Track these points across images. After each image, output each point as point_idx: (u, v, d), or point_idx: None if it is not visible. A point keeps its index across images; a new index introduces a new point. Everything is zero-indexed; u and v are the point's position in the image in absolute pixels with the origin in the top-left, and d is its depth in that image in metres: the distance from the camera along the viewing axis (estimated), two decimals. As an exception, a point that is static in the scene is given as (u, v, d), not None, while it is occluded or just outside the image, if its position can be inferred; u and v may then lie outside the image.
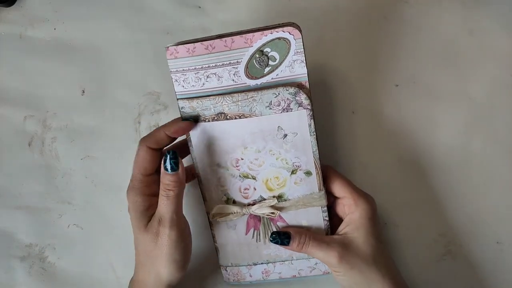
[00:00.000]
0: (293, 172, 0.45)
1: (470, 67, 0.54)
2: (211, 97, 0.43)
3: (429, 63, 0.54)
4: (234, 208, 0.46)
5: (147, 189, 0.45)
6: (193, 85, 0.43)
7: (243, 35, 0.41)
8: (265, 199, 0.46)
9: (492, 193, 0.52)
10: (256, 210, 0.46)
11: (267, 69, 0.42)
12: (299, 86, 0.42)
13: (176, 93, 0.43)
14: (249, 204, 0.47)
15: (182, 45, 0.42)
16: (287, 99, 0.42)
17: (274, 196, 0.46)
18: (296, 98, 0.42)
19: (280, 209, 0.46)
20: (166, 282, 0.45)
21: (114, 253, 0.53)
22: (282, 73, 0.42)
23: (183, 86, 0.43)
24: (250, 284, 0.51)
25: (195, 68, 0.42)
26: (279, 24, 0.42)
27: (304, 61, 0.42)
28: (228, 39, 0.41)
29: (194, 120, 0.44)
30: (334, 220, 0.48)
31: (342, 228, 0.46)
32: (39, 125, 0.56)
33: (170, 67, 0.43)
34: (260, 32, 0.41)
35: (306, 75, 0.42)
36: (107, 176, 0.54)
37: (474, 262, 0.51)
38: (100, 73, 0.56)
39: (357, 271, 0.44)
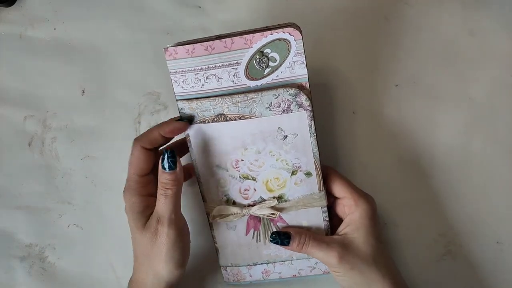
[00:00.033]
0: (293, 173, 0.45)
1: (470, 67, 0.54)
2: (211, 98, 0.43)
3: (429, 63, 0.54)
4: (234, 209, 0.46)
5: (144, 190, 0.45)
6: (192, 86, 0.43)
7: (243, 36, 0.41)
8: (265, 200, 0.46)
9: (492, 193, 0.52)
10: (256, 211, 0.46)
11: (267, 70, 0.42)
12: (300, 87, 0.42)
13: (176, 94, 0.43)
14: (249, 205, 0.46)
15: (181, 46, 0.41)
16: (287, 100, 0.42)
17: (274, 197, 0.46)
18: (297, 99, 0.42)
19: (280, 210, 0.46)
20: (165, 282, 0.44)
21: (114, 253, 0.53)
22: (282, 74, 0.42)
23: (183, 87, 0.43)
24: (250, 284, 0.50)
25: (194, 69, 0.42)
26: (279, 24, 0.42)
27: (305, 62, 0.42)
28: (228, 40, 0.41)
29: (189, 120, 0.44)
30: (334, 220, 0.48)
31: (342, 228, 0.46)
32: (39, 125, 0.55)
33: (169, 68, 0.42)
34: (260, 33, 0.41)
35: (307, 76, 0.42)
36: (107, 176, 0.54)
37: (474, 262, 0.51)
38: (100, 73, 0.56)
39: (357, 271, 0.44)
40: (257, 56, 0.41)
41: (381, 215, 0.52)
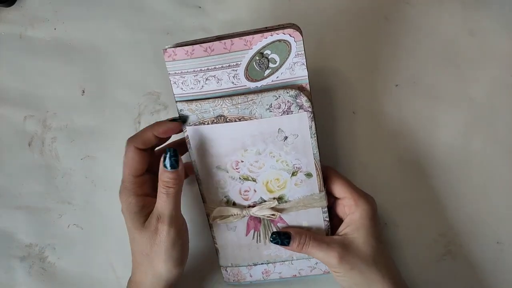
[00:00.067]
0: (293, 174, 0.45)
1: (470, 67, 0.53)
2: (210, 99, 0.42)
3: (429, 63, 0.54)
4: (234, 210, 0.46)
5: (140, 190, 0.45)
6: (192, 88, 0.42)
7: (243, 37, 0.41)
8: (265, 201, 0.46)
9: (492, 193, 0.52)
10: (256, 212, 0.46)
11: (267, 72, 0.42)
12: (300, 88, 0.42)
13: (175, 96, 0.43)
14: (249, 206, 0.46)
15: (181, 47, 0.41)
16: (288, 101, 0.42)
17: (274, 198, 0.46)
18: (297, 100, 0.42)
19: (280, 210, 0.46)
20: (164, 281, 0.44)
21: (114, 253, 0.53)
22: (283, 75, 0.42)
23: (182, 89, 0.42)
24: (250, 284, 0.50)
25: (194, 71, 0.42)
26: (279, 25, 0.41)
27: (305, 64, 0.41)
28: (228, 41, 0.41)
29: (182, 121, 0.44)
30: (335, 220, 0.48)
31: (342, 229, 0.46)
32: (39, 125, 0.55)
33: (168, 69, 0.42)
34: (260, 34, 0.40)
35: (307, 77, 0.42)
36: (107, 176, 0.54)
37: (474, 262, 0.51)
38: (100, 73, 0.56)
39: (357, 271, 0.44)
40: (257, 58, 0.41)
41: (381, 215, 0.51)
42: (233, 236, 0.48)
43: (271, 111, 0.42)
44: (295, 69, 0.42)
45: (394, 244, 0.51)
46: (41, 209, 0.54)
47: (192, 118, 0.43)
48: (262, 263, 0.49)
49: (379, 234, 0.45)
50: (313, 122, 0.43)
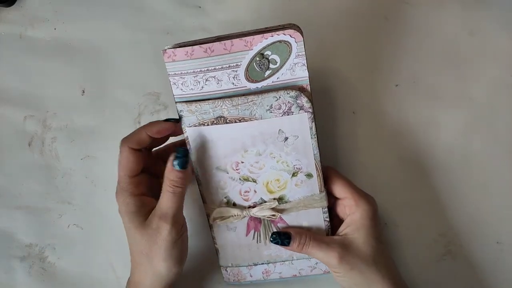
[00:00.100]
0: (294, 175, 0.45)
1: (470, 67, 0.53)
2: (210, 100, 0.42)
3: (429, 63, 0.53)
4: (234, 211, 0.46)
5: (136, 189, 0.44)
6: (191, 88, 0.42)
7: (243, 38, 0.40)
8: (265, 202, 0.46)
9: (492, 193, 0.51)
10: (256, 212, 0.45)
11: (267, 73, 0.41)
12: (300, 89, 0.41)
13: (174, 96, 0.42)
14: (249, 207, 0.46)
15: (180, 48, 0.41)
16: (288, 102, 0.41)
17: (274, 198, 0.45)
18: (297, 101, 0.41)
19: (280, 211, 0.46)
20: (164, 280, 0.44)
21: (114, 253, 0.53)
22: (283, 76, 0.41)
23: (182, 89, 0.42)
24: (250, 284, 0.50)
25: (193, 71, 0.41)
26: (279, 25, 0.41)
27: (305, 64, 0.41)
28: (228, 42, 0.40)
29: (176, 120, 0.43)
30: (335, 221, 0.47)
31: (342, 229, 0.46)
32: (39, 125, 0.55)
33: (168, 70, 0.41)
34: (260, 35, 0.40)
35: (308, 78, 0.41)
36: (107, 176, 0.54)
37: (474, 262, 0.51)
38: (100, 73, 0.56)
39: (357, 271, 0.43)
40: (258, 58, 0.41)
41: (381, 215, 0.51)
42: (233, 236, 0.47)
43: (271, 112, 0.42)
44: (296, 70, 0.41)
45: (394, 244, 0.51)
46: (41, 209, 0.54)
47: (192, 119, 0.43)
48: (262, 263, 0.49)
49: (380, 235, 0.45)
50: (313, 123, 0.42)
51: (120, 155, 0.44)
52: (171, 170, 0.42)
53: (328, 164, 0.50)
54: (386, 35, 0.54)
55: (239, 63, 0.41)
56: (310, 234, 0.45)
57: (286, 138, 0.43)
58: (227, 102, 0.42)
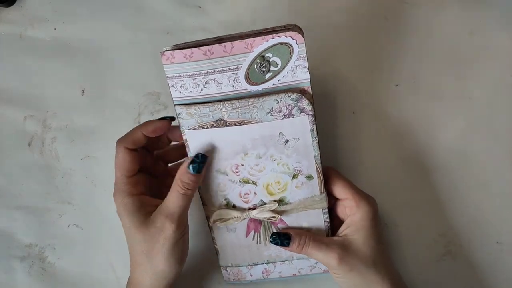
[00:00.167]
0: (294, 177, 0.44)
1: (470, 67, 0.53)
2: (210, 103, 0.41)
3: (429, 63, 0.53)
4: (234, 213, 0.45)
5: (134, 189, 0.44)
6: (190, 91, 0.41)
7: (243, 40, 0.39)
8: (265, 203, 0.45)
9: (492, 193, 0.51)
10: (256, 214, 0.45)
11: (268, 75, 0.40)
12: (301, 91, 0.41)
13: (173, 99, 0.42)
14: (249, 209, 0.45)
15: (179, 50, 0.40)
16: (289, 105, 0.41)
17: (275, 200, 0.45)
18: (298, 104, 0.40)
19: (281, 213, 0.45)
20: (165, 279, 0.44)
21: (114, 253, 0.52)
22: (284, 78, 0.40)
23: (180, 92, 0.41)
24: (250, 283, 0.50)
25: (192, 74, 0.40)
26: (280, 26, 0.40)
27: (307, 67, 0.40)
28: (228, 44, 0.39)
29: (171, 118, 0.43)
30: (335, 221, 0.47)
31: (342, 230, 0.45)
32: (39, 125, 0.55)
33: (166, 73, 0.40)
34: (261, 37, 0.39)
35: (309, 80, 0.40)
36: (107, 176, 0.53)
37: (474, 262, 0.50)
38: (100, 73, 0.55)
39: (356, 273, 0.43)
40: (258, 61, 0.40)
41: (381, 215, 0.51)
42: (233, 237, 0.47)
43: (272, 115, 0.41)
44: (297, 72, 0.40)
45: (394, 244, 0.51)
46: (41, 209, 0.53)
47: (191, 122, 0.42)
48: (262, 263, 0.48)
49: (380, 236, 0.45)
50: (314, 125, 0.41)
51: (116, 156, 0.44)
52: (185, 173, 0.42)
53: (328, 164, 0.50)
54: (386, 35, 0.54)
55: (240, 66, 0.40)
56: (309, 235, 0.45)
57: (287, 141, 0.42)
58: (227, 105, 0.41)
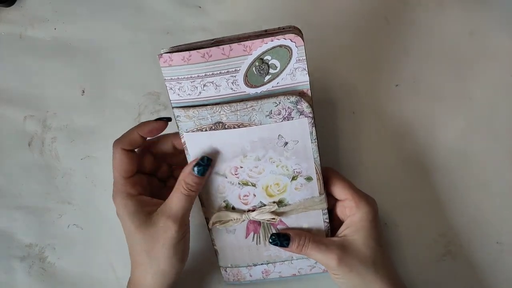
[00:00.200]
0: (293, 178, 0.43)
1: (470, 67, 0.53)
2: (208, 106, 0.40)
3: (429, 63, 0.53)
4: (234, 215, 0.45)
5: (133, 190, 0.44)
6: (189, 94, 0.40)
7: (242, 43, 0.38)
8: (265, 205, 0.45)
9: (492, 193, 0.51)
10: (256, 216, 0.44)
11: (267, 77, 0.40)
12: (301, 94, 0.40)
13: (171, 102, 0.41)
14: (248, 210, 0.45)
15: (177, 53, 0.39)
16: (288, 107, 0.40)
17: (274, 202, 0.45)
18: (298, 106, 0.40)
19: (280, 214, 0.45)
20: (166, 279, 0.43)
21: (114, 253, 0.52)
22: (283, 81, 0.40)
23: (179, 95, 0.41)
24: (250, 283, 0.50)
25: (191, 77, 0.40)
26: (279, 28, 0.39)
27: (306, 69, 0.39)
28: (226, 46, 0.39)
29: (168, 119, 0.43)
30: (335, 222, 0.46)
31: (342, 230, 0.45)
32: (39, 125, 0.55)
33: (164, 75, 0.40)
34: (260, 40, 0.38)
35: (308, 82, 0.40)
36: (107, 176, 0.52)
37: (474, 262, 0.50)
38: (100, 73, 0.55)
39: (355, 273, 0.43)
40: (257, 63, 0.39)
41: (381, 215, 0.50)
42: (233, 238, 0.47)
43: (271, 118, 0.40)
44: (296, 75, 0.40)
45: (394, 244, 0.51)
46: (41, 209, 0.53)
47: (189, 125, 0.41)
48: (262, 264, 0.48)
49: (379, 237, 0.44)
50: (314, 128, 0.41)
51: (113, 157, 0.44)
52: (190, 174, 0.42)
53: (328, 164, 0.49)
54: (386, 35, 0.54)
55: (238, 68, 0.39)
56: (309, 235, 0.44)
57: (286, 143, 0.42)
58: (225, 108, 0.40)
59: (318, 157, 0.42)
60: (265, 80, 0.40)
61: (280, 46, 0.39)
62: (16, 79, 0.55)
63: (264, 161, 0.43)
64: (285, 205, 0.45)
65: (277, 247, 0.46)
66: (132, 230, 0.43)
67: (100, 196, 0.53)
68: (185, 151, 0.43)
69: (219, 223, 0.45)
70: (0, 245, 0.53)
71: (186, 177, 0.42)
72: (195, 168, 0.42)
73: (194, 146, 0.42)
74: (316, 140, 0.42)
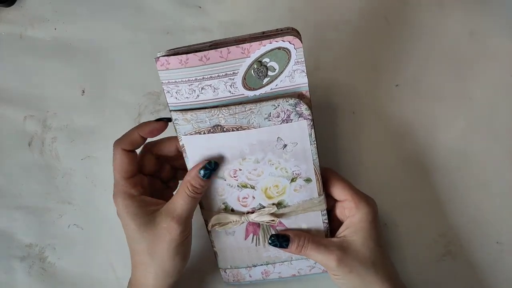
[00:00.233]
0: (292, 180, 0.43)
1: (470, 67, 0.53)
2: (206, 109, 0.40)
3: (429, 63, 0.53)
4: (233, 217, 0.44)
5: (134, 190, 0.43)
6: (186, 97, 0.40)
7: (240, 46, 0.38)
8: (264, 207, 0.44)
9: (492, 193, 0.51)
10: (255, 218, 0.44)
11: (266, 80, 0.39)
12: (300, 96, 0.40)
13: (169, 105, 0.41)
14: (248, 212, 0.45)
15: (174, 56, 0.38)
16: (287, 110, 0.40)
17: (273, 204, 0.44)
18: (297, 109, 0.40)
19: (279, 215, 0.44)
20: (167, 278, 0.43)
21: (114, 253, 0.52)
22: (282, 83, 0.39)
23: (176, 98, 0.40)
24: (250, 284, 0.49)
25: (188, 80, 0.39)
26: (277, 30, 0.39)
27: (305, 71, 0.39)
28: (224, 49, 0.38)
29: (168, 119, 0.43)
30: (335, 223, 0.46)
31: (341, 231, 0.44)
32: (39, 125, 0.55)
33: (161, 79, 0.40)
34: (258, 42, 0.38)
35: (307, 84, 0.39)
36: (107, 176, 0.52)
37: (474, 262, 0.50)
38: (100, 73, 0.55)
39: (355, 274, 0.42)
40: (255, 66, 0.39)
41: (381, 216, 0.50)
42: (232, 240, 0.46)
43: (269, 120, 0.40)
44: (295, 77, 0.39)
45: (394, 244, 0.50)
46: (41, 209, 0.53)
47: (187, 128, 0.41)
48: (261, 264, 0.48)
49: (379, 237, 0.44)
50: (313, 130, 0.41)
51: (114, 158, 0.43)
52: (196, 177, 0.42)
53: (328, 164, 0.49)
54: (386, 35, 0.54)
55: (236, 71, 0.39)
56: (308, 236, 0.44)
57: (285, 145, 0.41)
58: (224, 110, 0.40)
59: (317, 159, 0.42)
60: (263, 83, 0.39)
61: (279, 48, 0.38)
62: (16, 79, 0.55)
63: (263, 164, 0.42)
64: (284, 206, 0.44)
65: (276, 248, 0.46)
66: (134, 230, 0.43)
67: (100, 196, 0.53)
68: (183, 154, 0.42)
69: (219, 225, 0.45)
70: (0, 245, 0.53)
71: (192, 179, 0.42)
72: (202, 171, 0.41)
73: (193, 149, 0.42)
74: (315, 142, 0.41)
